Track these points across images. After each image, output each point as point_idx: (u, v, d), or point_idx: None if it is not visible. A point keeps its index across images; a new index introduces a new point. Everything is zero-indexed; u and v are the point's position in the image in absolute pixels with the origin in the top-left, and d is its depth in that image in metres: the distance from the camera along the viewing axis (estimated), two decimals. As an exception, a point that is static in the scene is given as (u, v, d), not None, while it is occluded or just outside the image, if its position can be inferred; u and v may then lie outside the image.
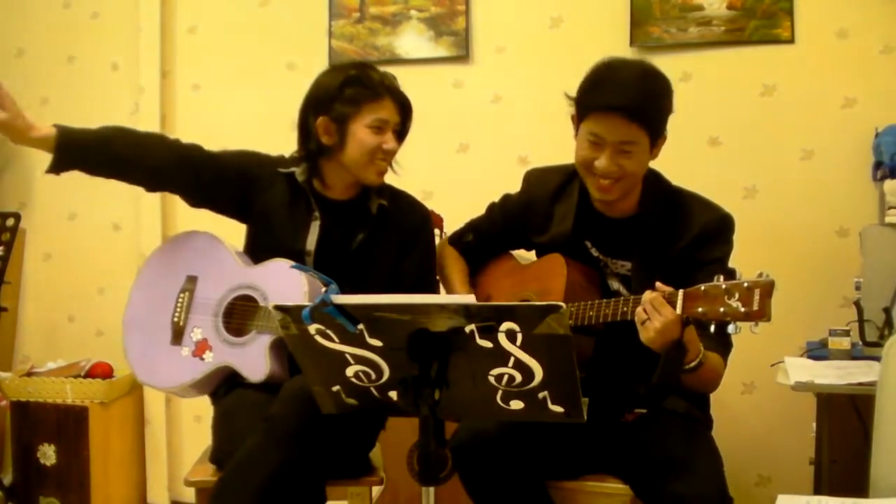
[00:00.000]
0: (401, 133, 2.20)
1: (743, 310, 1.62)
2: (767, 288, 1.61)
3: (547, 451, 1.95)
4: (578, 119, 1.97)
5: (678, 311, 1.68)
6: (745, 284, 1.63)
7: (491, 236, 2.26)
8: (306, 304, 1.47)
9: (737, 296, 1.63)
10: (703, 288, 1.67)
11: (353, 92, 2.10)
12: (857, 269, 2.57)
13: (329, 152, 2.14)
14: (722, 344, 1.89)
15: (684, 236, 1.96)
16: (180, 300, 2.19)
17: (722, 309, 1.64)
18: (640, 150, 1.91)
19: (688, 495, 1.76)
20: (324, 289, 2.02)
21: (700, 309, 1.67)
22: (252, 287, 2.13)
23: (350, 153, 2.12)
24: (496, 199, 2.29)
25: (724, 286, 1.65)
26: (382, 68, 2.19)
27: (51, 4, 3.65)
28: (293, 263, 2.06)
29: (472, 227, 2.30)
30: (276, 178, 2.22)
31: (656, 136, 1.93)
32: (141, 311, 2.23)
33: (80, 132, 2.05)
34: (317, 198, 2.20)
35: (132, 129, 2.19)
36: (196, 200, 2.24)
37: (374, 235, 2.19)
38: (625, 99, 1.86)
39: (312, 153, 2.17)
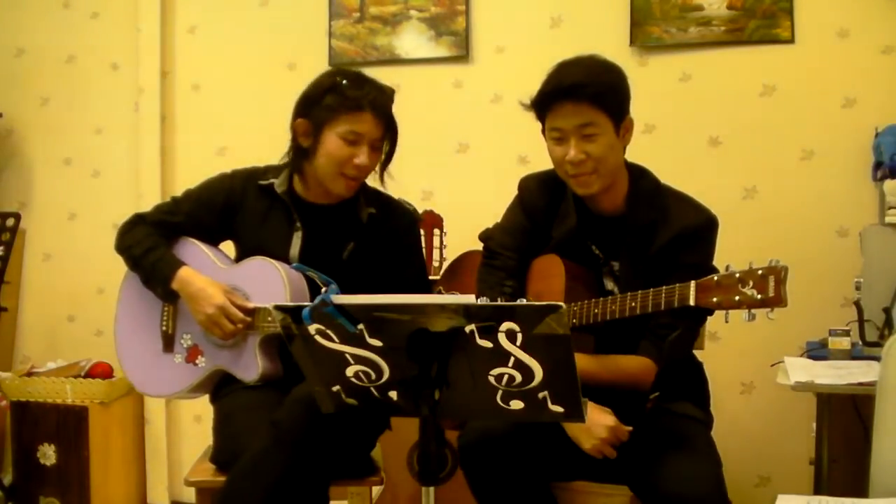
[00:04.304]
0: (384, 150, 2.12)
1: (759, 297, 1.66)
2: (781, 274, 1.66)
3: (554, 451, 1.94)
4: (542, 125, 1.99)
5: (691, 302, 1.72)
6: (759, 272, 1.67)
7: (517, 267, 2.15)
8: (306, 303, 1.47)
9: (751, 283, 1.67)
10: (715, 279, 1.71)
11: (332, 100, 2.05)
12: (857, 269, 2.57)
13: (307, 155, 2.11)
14: (659, 349, 1.93)
15: (664, 235, 1.96)
16: (165, 308, 2.18)
17: (737, 297, 1.68)
18: (603, 133, 1.91)
19: (686, 495, 1.76)
20: (302, 279, 2.04)
21: (714, 299, 1.71)
22: (234, 288, 2.10)
23: (320, 160, 2.08)
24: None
25: (737, 275, 1.69)
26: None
27: (51, 4, 3.65)
28: (296, 264, 2.05)
29: (500, 279, 2.14)
30: (250, 193, 2.18)
31: (615, 116, 1.92)
32: (128, 324, 2.23)
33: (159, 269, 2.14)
34: (300, 206, 2.16)
35: (143, 231, 2.19)
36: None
37: (364, 244, 2.16)
38: (569, 82, 1.90)
39: (295, 154, 2.14)
